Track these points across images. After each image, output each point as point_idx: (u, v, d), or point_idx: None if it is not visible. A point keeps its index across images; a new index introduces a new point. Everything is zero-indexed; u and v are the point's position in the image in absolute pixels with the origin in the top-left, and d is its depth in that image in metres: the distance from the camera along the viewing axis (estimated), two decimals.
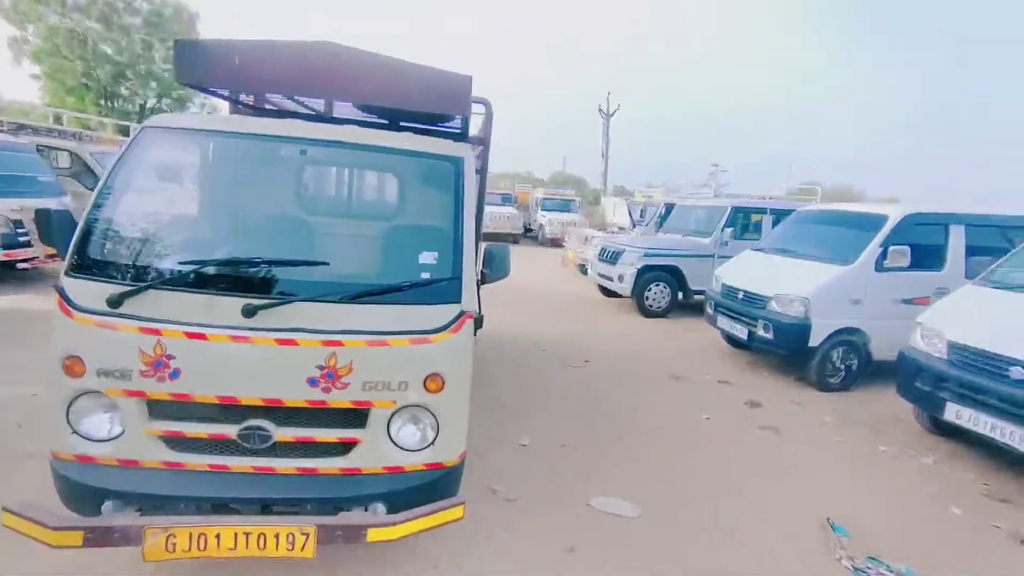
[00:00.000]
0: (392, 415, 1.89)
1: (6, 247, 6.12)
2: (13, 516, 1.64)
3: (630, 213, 15.14)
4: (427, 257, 2.01)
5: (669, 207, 11.27)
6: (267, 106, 3.23)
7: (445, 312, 1.92)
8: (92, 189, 2.21)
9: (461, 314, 1.93)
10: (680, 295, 7.81)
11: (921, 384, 3.62)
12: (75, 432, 1.81)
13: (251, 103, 3.12)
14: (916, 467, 3.58)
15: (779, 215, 7.37)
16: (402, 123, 3.13)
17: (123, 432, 1.81)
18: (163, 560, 1.69)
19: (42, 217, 1.93)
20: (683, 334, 6.89)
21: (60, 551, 1.68)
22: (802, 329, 4.68)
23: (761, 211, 8.31)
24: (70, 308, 1.76)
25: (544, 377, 4.82)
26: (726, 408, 4.39)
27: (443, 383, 1.88)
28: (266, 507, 1.82)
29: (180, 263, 1.87)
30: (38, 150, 8.03)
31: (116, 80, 21.99)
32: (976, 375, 3.30)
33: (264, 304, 1.76)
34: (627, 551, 2.49)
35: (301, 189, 2.74)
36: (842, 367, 4.89)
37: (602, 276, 8.37)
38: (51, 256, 6.49)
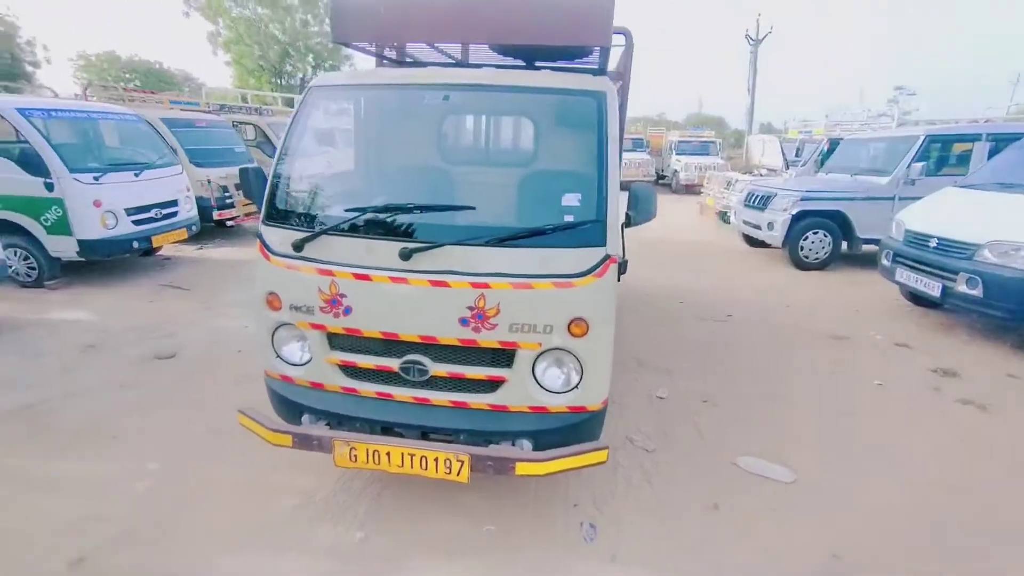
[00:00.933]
0: (537, 357, 1.93)
1: (219, 208, 7.48)
2: (245, 417, 2.07)
3: (783, 152, 13.22)
4: (570, 199, 1.96)
5: (834, 143, 9.63)
6: (407, 59, 3.35)
7: (589, 256, 1.87)
8: (271, 156, 2.51)
9: (606, 258, 1.87)
10: (845, 244, 6.74)
11: None
12: (278, 356, 2.18)
13: (394, 57, 3.25)
14: None
15: (1001, 141, 5.80)
16: (538, 63, 3.02)
17: (311, 359, 2.12)
18: (348, 467, 1.99)
19: (243, 175, 2.28)
20: (845, 288, 5.99)
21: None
22: None
23: (972, 137, 6.59)
24: (268, 252, 2.07)
25: (682, 330, 4.57)
26: (906, 375, 3.75)
27: (587, 328, 1.86)
28: (425, 435, 2.02)
29: (346, 210, 2.06)
30: (233, 126, 9.55)
31: (282, 59, 25.00)
32: None
33: (418, 247, 1.88)
34: (778, 516, 2.31)
35: (449, 134, 2.83)
36: None
37: (748, 224, 7.55)
38: (248, 215, 7.81)
